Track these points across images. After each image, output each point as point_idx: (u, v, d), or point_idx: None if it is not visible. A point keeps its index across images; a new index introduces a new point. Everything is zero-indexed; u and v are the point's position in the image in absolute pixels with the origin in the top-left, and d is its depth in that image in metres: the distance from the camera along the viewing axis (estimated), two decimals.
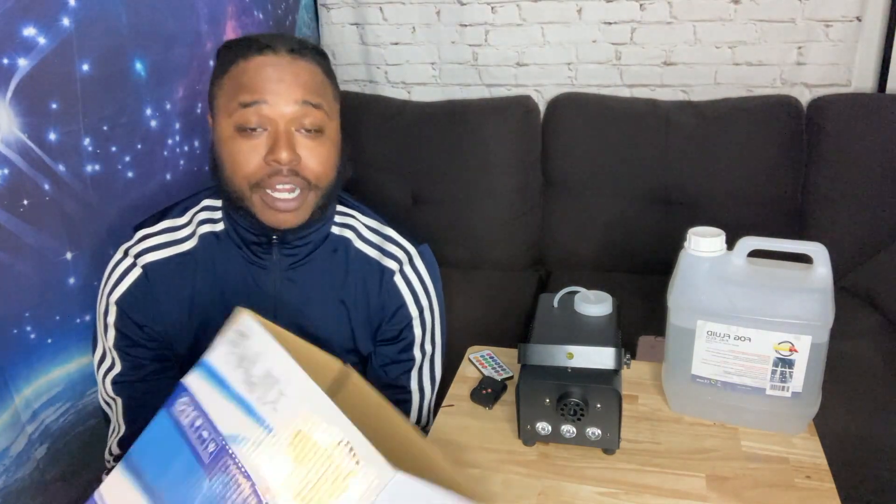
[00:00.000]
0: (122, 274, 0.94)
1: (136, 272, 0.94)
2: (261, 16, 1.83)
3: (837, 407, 1.02)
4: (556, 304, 1.00)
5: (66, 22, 1.14)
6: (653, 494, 0.82)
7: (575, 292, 1.00)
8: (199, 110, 1.53)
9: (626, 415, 0.87)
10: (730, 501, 0.81)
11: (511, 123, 2.05)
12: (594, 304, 0.97)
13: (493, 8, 2.13)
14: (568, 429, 0.87)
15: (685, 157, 1.93)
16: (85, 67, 1.19)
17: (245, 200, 0.88)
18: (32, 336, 1.15)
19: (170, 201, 1.00)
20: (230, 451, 0.56)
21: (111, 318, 0.94)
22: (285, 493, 0.53)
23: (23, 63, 1.07)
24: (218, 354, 0.63)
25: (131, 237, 0.96)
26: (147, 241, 0.95)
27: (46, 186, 1.14)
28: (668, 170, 1.94)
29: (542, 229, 2.09)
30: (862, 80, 1.96)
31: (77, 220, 1.21)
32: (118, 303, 0.94)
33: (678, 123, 1.94)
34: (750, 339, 0.87)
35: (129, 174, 1.33)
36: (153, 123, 1.39)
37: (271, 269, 0.95)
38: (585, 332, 0.92)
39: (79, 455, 1.26)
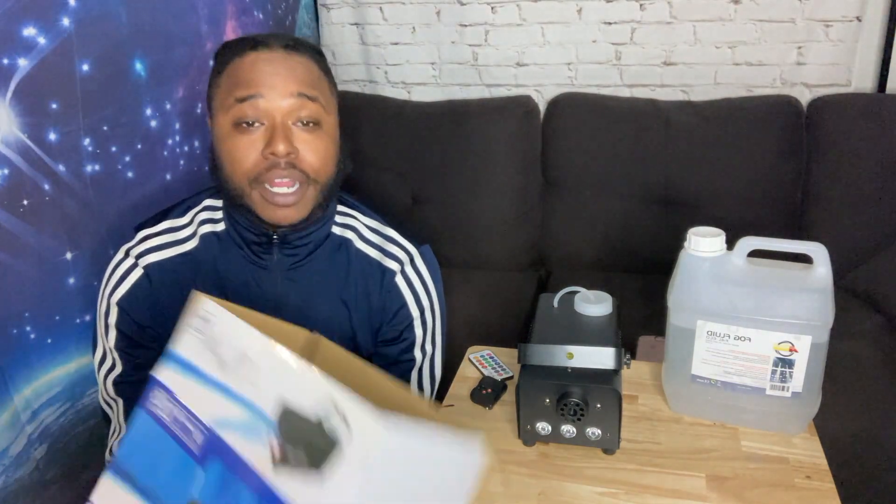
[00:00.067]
0: (123, 274, 0.94)
1: (138, 273, 0.94)
2: (261, 16, 1.83)
3: (837, 407, 1.02)
4: (556, 304, 1.00)
5: (66, 22, 1.14)
6: (653, 494, 0.82)
7: (575, 292, 1.00)
8: (199, 110, 1.52)
9: (626, 415, 0.87)
10: (730, 501, 0.81)
11: (511, 123, 2.05)
12: (594, 304, 0.97)
13: (493, 8, 2.12)
14: (568, 429, 0.87)
15: (685, 157, 1.93)
16: (85, 67, 1.19)
17: (245, 197, 0.88)
18: (32, 336, 1.15)
19: (170, 201, 1.00)
20: (218, 437, 0.55)
21: (112, 319, 0.94)
22: (283, 467, 0.52)
23: (23, 63, 1.07)
24: (184, 342, 0.62)
25: (132, 237, 0.96)
26: (148, 241, 0.95)
27: (46, 186, 1.14)
28: (668, 170, 1.94)
29: (542, 229, 2.08)
30: (862, 80, 1.96)
31: (77, 220, 1.21)
32: (120, 303, 0.94)
33: (678, 123, 1.94)
34: (750, 339, 0.87)
35: (129, 174, 1.33)
36: (153, 123, 1.39)
37: (272, 269, 0.95)
38: (585, 332, 0.92)
39: (78, 455, 1.26)
